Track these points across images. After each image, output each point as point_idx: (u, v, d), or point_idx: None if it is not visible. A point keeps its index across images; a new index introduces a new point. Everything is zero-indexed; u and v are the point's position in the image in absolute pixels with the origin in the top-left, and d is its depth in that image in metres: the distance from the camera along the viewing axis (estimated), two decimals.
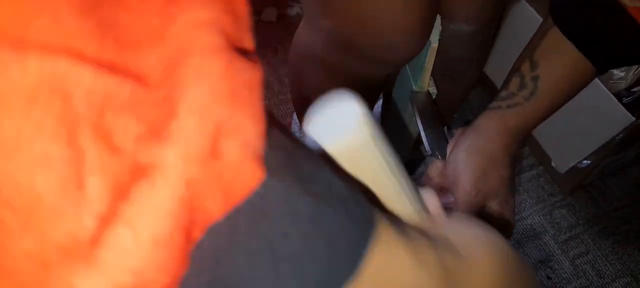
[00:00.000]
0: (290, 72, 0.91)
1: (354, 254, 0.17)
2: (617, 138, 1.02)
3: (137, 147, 0.12)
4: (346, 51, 0.69)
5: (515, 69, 0.59)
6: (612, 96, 0.99)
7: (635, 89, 1.02)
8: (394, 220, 0.20)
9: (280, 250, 0.16)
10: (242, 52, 0.14)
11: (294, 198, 0.16)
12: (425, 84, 0.79)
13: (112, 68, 0.11)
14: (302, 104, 0.95)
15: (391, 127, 1.00)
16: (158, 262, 0.12)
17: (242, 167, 0.14)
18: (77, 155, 0.11)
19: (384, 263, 0.18)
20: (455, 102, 0.99)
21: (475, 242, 0.24)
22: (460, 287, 0.21)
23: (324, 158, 0.22)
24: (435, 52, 0.73)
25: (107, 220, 0.11)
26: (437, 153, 0.65)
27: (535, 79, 0.57)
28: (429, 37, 0.70)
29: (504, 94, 0.59)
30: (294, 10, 1.42)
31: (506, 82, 0.60)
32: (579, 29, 0.53)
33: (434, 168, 0.61)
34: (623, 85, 1.02)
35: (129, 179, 0.12)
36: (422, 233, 0.22)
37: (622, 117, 0.98)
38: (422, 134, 0.70)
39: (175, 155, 0.12)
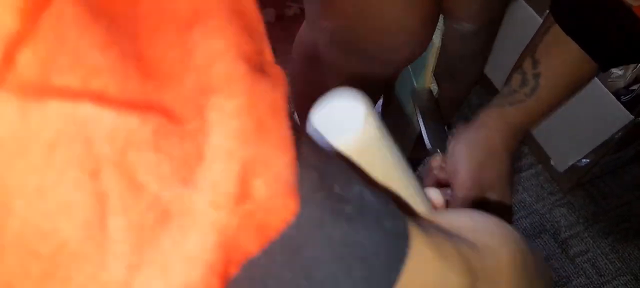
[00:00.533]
0: (292, 72, 0.91)
1: (390, 270, 0.17)
2: (616, 136, 1.02)
3: (161, 185, 0.11)
4: (348, 51, 0.69)
5: (517, 67, 0.60)
6: (611, 94, 0.99)
7: (634, 87, 1.02)
8: (416, 219, 0.20)
9: (315, 275, 0.16)
10: (263, 65, 0.14)
11: (327, 224, 0.16)
12: (427, 82, 0.79)
13: (134, 104, 0.11)
14: (303, 104, 0.95)
15: (392, 126, 1.00)
16: None
17: (273, 203, 0.13)
18: (99, 197, 0.11)
19: (416, 271, 0.18)
20: (456, 100, 0.99)
21: (487, 232, 0.24)
22: (480, 276, 0.21)
23: (352, 167, 0.21)
24: (438, 51, 0.73)
25: (136, 265, 0.11)
26: (437, 149, 0.65)
27: (536, 76, 0.57)
28: (431, 37, 0.70)
29: (505, 90, 0.59)
30: (291, 11, 1.42)
31: (508, 80, 0.60)
32: (580, 27, 0.53)
33: (434, 161, 0.62)
34: (622, 83, 1.02)
35: (155, 221, 0.11)
36: (437, 227, 0.22)
37: (621, 116, 0.98)
38: (423, 130, 0.70)
39: (204, 203, 0.12)
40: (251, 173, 0.13)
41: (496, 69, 1.26)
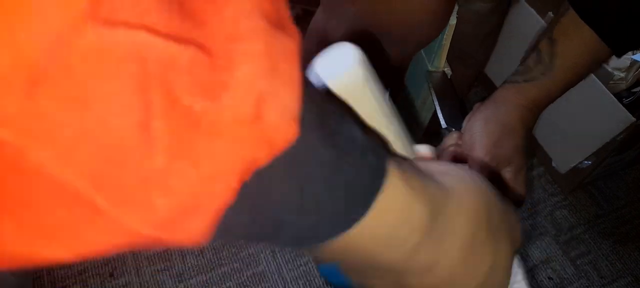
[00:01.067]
0: (304, 62, 0.90)
1: (366, 196, 0.22)
2: (618, 138, 1.02)
3: (193, 100, 0.15)
4: (371, 35, 0.69)
5: (534, 47, 0.60)
6: (613, 97, 0.99)
7: (635, 90, 1.02)
8: (395, 156, 0.25)
9: (307, 190, 0.20)
10: (281, 21, 0.18)
11: (321, 149, 0.20)
12: (442, 63, 0.79)
13: (176, 37, 0.14)
14: None
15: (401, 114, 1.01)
16: (213, 193, 0.16)
17: (280, 126, 0.17)
18: (147, 104, 0.14)
19: (388, 198, 0.23)
20: (464, 85, 0.99)
21: (457, 179, 0.27)
22: (441, 212, 0.25)
23: (347, 110, 0.26)
24: (453, 29, 0.73)
25: (173, 157, 0.15)
26: (452, 127, 0.65)
27: (552, 55, 0.58)
28: (451, 15, 0.71)
29: (521, 68, 0.60)
30: (293, 11, 1.42)
31: (524, 59, 0.61)
32: (595, 11, 0.54)
33: (450, 138, 0.62)
34: (623, 85, 1.02)
35: (188, 126, 0.15)
36: (411, 165, 0.26)
37: (623, 118, 0.98)
38: (438, 109, 0.71)
39: (229, 118, 0.16)
40: (264, 102, 0.16)
41: (496, 69, 1.26)
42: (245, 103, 0.16)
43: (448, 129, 0.66)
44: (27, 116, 0.13)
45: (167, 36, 0.14)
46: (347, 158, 0.21)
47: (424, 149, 0.32)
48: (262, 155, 0.17)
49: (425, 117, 0.92)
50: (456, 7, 0.72)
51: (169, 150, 0.15)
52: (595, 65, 0.59)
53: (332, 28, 0.73)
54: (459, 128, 0.63)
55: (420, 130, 0.96)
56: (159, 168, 0.15)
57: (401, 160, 0.25)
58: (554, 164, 1.21)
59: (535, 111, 0.60)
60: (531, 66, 0.59)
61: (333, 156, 0.21)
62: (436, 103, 0.72)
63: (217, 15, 0.16)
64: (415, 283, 0.26)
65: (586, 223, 1.18)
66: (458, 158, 0.60)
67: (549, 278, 1.10)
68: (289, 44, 0.18)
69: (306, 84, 0.19)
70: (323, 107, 0.21)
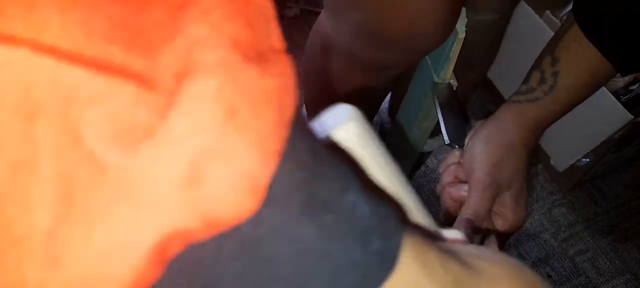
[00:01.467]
0: (307, 67, 0.89)
1: None
2: (616, 136, 1.03)
3: (99, 143, 0.11)
4: (375, 41, 0.69)
5: (536, 65, 0.60)
6: (610, 94, 0.99)
7: (633, 87, 1.03)
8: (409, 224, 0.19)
9: (268, 274, 0.15)
10: (262, 53, 0.14)
11: (295, 229, 0.15)
12: (448, 75, 0.78)
13: (89, 62, 0.11)
14: (316, 97, 0.93)
15: (401, 123, 1.01)
16: (117, 270, 0.12)
17: (226, 198, 0.13)
18: (31, 141, 0.11)
19: (394, 277, 0.17)
20: (467, 89, 0.99)
21: (492, 261, 0.22)
22: None
23: (359, 173, 0.21)
24: (461, 42, 0.73)
25: (62, 217, 0.11)
26: (456, 144, 0.65)
27: (555, 74, 0.57)
28: (456, 23, 0.70)
29: (523, 88, 0.60)
30: (292, 11, 1.42)
31: (527, 77, 0.60)
32: (601, 31, 0.54)
33: (452, 156, 0.62)
34: (621, 83, 1.02)
35: (88, 177, 0.11)
36: (428, 238, 0.21)
37: (621, 115, 0.99)
38: (442, 123, 0.70)
39: (142, 175, 0.12)
40: (207, 162, 0.12)
41: (496, 70, 1.26)
42: (174, 161, 0.12)
43: (451, 146, 0.65)
44: None
45: (73, 59, 0.11)
46: (336, 242, 0.16)
47: (452, 234, 0.27)
48: (198, 230, 0.13)
49: (428, 127, 0.92)
50: (466, 20, 0.72)
51: (57, 206, 0.11)
52: (599, 85, 0.59)
53: (337, 33, 0.73)
54: (461, 145, 0.62)
55: (423, 139, 0.97)
56: (41, 230, 0.11)
57: (417, 231, 0.20)
58: (552, 162, 1.21)
59: (537, 132, 0.59)
60: (534, 86, 0.58)
61: (314, 238, 0.15)
62: (441, 118, 0.71)
63: (168, 43, 0.12)
64: None
65: (585, 221, 1.19)
66: (459, 178, 0.59)
67: (548, 276, 1.11)
68: (265, 84, 0.13)
69: (293, 136, 0.14)
70: (317, 171, 0.16)
